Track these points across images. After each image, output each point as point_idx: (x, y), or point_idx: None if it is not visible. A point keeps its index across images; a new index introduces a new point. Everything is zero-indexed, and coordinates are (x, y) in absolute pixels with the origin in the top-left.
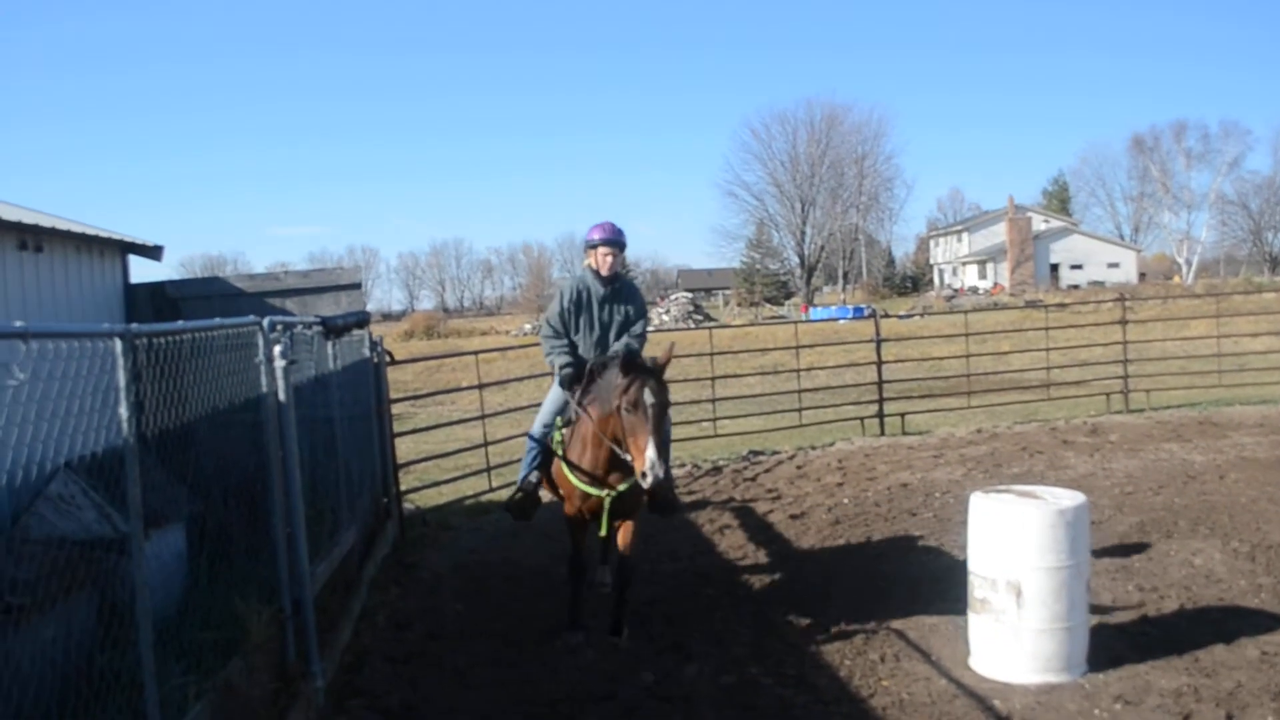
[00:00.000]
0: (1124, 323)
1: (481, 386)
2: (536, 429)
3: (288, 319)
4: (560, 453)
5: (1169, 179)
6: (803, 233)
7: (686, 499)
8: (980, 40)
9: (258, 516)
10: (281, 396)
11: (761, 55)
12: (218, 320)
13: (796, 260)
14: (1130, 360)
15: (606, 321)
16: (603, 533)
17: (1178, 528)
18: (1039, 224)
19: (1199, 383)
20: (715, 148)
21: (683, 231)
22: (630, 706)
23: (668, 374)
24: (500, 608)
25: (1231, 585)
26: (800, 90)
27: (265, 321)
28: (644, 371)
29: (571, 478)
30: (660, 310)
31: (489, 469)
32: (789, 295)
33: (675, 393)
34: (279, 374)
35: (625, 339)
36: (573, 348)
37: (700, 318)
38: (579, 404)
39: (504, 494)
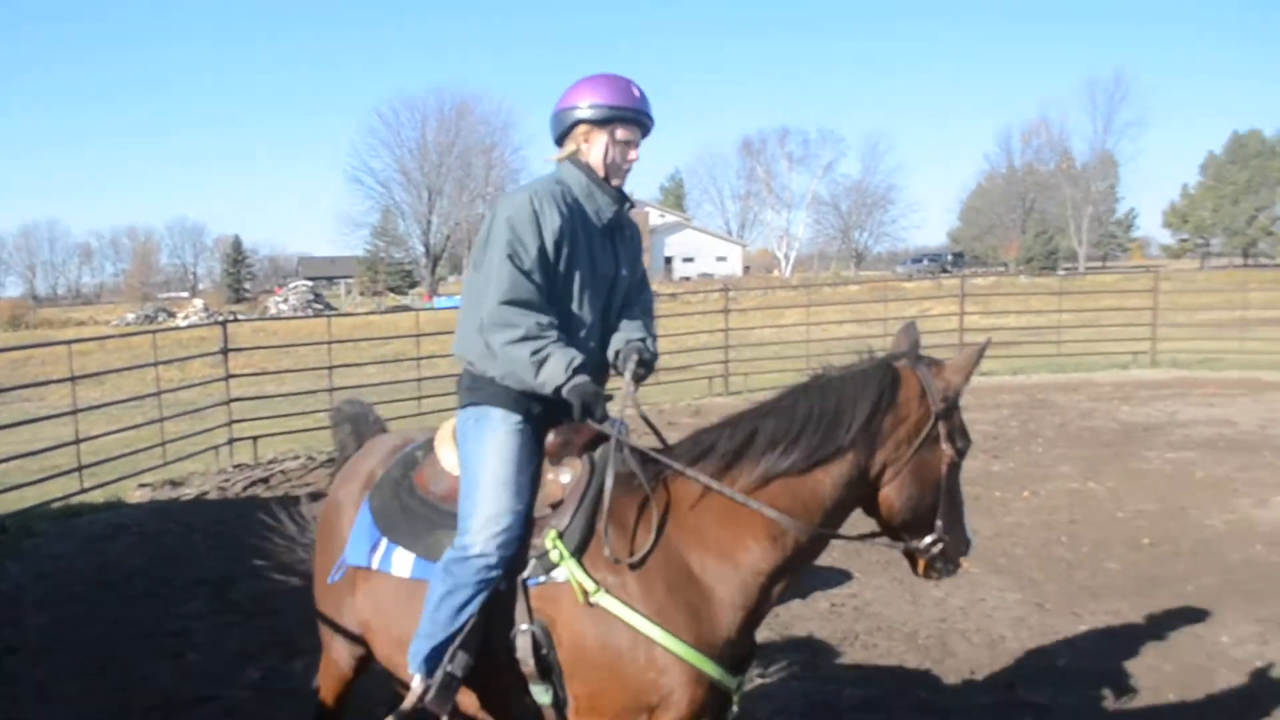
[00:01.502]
0: (727, 312)
1: (75, 379)
2: (481, 543)
3: None
4: (619, 602)
5: (772, 180)
6: (429, 221)
7: (303, 490)
8: (602, 39)
9: None
10: None
11: (392, 40)
12: None
13: (422, 249)
14: (731, 346)
15: (612, 275)
16: None
17: None
18: (655, 219)
19: (790, 367)
20: (340, 133)
21: (304, 218)
22: (232, 707)
23: None
24: (91, 616)
25: None
26: (428, 79)
27: None
28: None
29: (688, 654)
30: (278, 299)
31: (80, 468)
32: (414, 284)
33: (291, 383)
34: None
35: (638, 329)
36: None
37: (320, 306)
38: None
39: (97, 495)
